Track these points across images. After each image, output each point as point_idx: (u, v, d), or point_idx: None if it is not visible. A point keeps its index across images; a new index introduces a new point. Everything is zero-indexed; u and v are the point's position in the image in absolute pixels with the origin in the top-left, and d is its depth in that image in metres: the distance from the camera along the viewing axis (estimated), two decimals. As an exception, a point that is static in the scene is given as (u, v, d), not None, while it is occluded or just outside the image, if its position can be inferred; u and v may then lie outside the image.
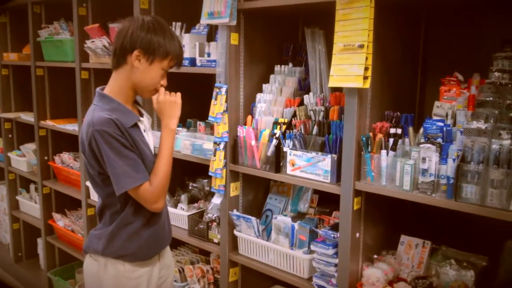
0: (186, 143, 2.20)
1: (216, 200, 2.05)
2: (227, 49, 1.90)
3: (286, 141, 1.81)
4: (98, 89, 1.58)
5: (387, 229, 1.83)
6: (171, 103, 1.60)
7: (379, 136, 1.57)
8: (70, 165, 3.23)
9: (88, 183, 2.84)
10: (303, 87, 1.98)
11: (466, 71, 1.61)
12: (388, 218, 1.83)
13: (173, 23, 2.24)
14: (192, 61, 2.14)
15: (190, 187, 2.53)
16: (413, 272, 1.70)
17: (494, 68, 1.48)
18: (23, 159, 3.61)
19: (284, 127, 1.85)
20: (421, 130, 1.54)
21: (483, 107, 1.44)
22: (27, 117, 3.46)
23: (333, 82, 1.58)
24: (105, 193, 1.56)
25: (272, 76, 2.03)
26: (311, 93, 1.87)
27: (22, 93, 3.68)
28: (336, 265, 1.68)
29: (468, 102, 1.55)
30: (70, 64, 2.91)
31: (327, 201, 2.00)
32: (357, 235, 1.67)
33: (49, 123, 3.23)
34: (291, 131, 1.82)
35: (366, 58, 1.49)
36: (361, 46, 1.49)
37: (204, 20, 1.96)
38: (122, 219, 1.56)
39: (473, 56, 1.71)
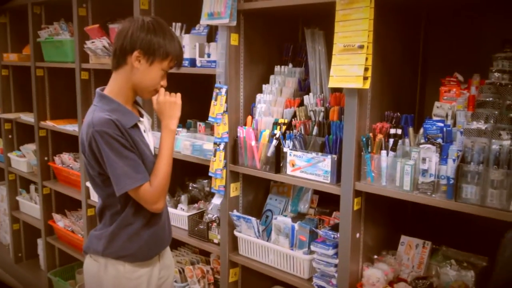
0: (186, 143, 2.20)
1: (216, 200, 2.05)
2: (227, 49, 1.90)
3: (286, 141, 1.81)
4: (98, 89, 1.58)
5: (387, 230, 1.83)
6: (171, 103, 1.60)
7: (379, 136, 1.57)
8: (70, 165, 3.23)
9: (88, 184, 2.84)
10: (303, 88, 1.99)
11: (466, 71, 1.61)
12: (388, 219, 1.83)
13: (173, 23, 2.24)
14: (192, 62, 2.14)
15: (190, 188, 2.53)
16: (413, 273, 1.70)
17: (494, 69, 1.48)
18: (23, 159, 3.61)
19: (284, 127, 1.85)
20: (421, 130, 1.54)
21: (483, 107, 1.44)
22: (27, 118, 3.46)
23: (333, 83, 1.58)
24: (105, 194, 1.56)
25: (272, 77, 2.03)
26: (311, 94, 1.87)
27: (22, 93, 3.69)
28: (336, 266, 1.68)
29: (468, 102, 1.55)
30: (70, 65, 2.91)
31: (327, 202, 2.00)
32: (357, 235, 1.67)
33: (49, 123, 3.23)
34: (291, 131, 1.82)
35: (366, 59, 1.49)
36: (361, 47, 1.49)
37: (204, 21, 1.96)
38: (122, 219, 1.56)
39: (473, 56, 1.71)
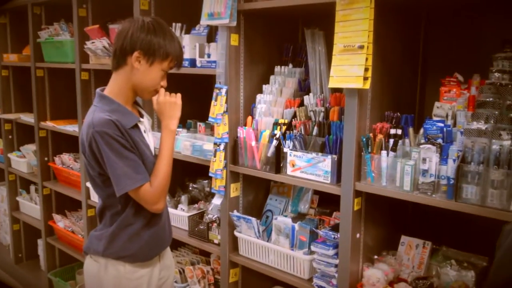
0: (186, 144, 2.20)
1: (216, 201, 2.05)
2: (227, 50, 1.90)
3: (286, 142, 1.81)
4: (98, 90, 1.58)
5: (388, 230, 1.83)
6: (171, 104, 1.60)
7: (379, 136, 1.57)
8: (70, 166, 3.23)
9: (88, 184, 2.84)
10: (303, 88, 1.99)
11: (466, 71, 1.61)
12: (389, 219, 1.83)
13: (173, 24, 2.24)
14: (192, 62, 2.14)
15: (190, 188, 2.53)
16: (414, 273, 1.70)
17: (494, 69, 1.48)
18: (23, 160, 3.61)
19: (284, 128, 1.85)
20: (421, 130, 1.54)
21: (483, 107, 1.44)
22: (27, 118, 3.46)
23: (333, 83, 1.58)
24: (106, 194, 1.56)
25: (272, 77, 2.03)
26: (311, 94, 1.87)
27: (22, 94, 3.69)
28: (336, 266, 1.68)
29: (468, 102, 1.55)
30: (70, 65, 2.91)
31: (327, 202, 2.00)
32: (358, 235, 1.67)
33: (49, 124, 3.23)
34: (291, 132, 1.82)
35: (366, 59, 1.49)
36: (361, 47, 1.49)
37: (204, 21, 1.96)
38: (122, 220, 1.56)
39: (473, 56, 1.71)
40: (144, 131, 1.60)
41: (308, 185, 1.78)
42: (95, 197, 2.85)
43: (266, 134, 1.87)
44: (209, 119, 2.00)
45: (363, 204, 1.67)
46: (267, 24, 2.03)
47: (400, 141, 1.55)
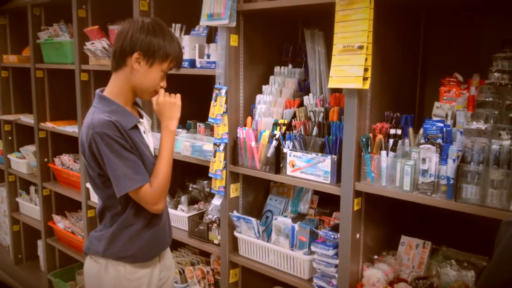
0: (186, 144, 2.20)
1: (216, 201, 2.05)
2: (227, 50, 1.91)
3: (286, 142, 1.81)
4: (97, 91, 1.58)
5: (388, 230, 1.83)
6: (171, 104, 1.60)
7: (379, 137, 1.57)
8: (70, 167, 3.23)
9: (88, 185, 2.84)
10: (303, 88, 1.99)
11: (465, 71, 1.61)
12: (389, 219, 1.83)
13: (173, 24, 2.24)
14: (192, 63, 2.14)
15: (190, 189, 2.53)
16: (414, 273, 1.70)
17: (494, 69, 1.48)
18: (23, 161, 3.61)
19: (284, 128, 1.85)
20: (421, 130, 1.54)
21: (483, 107, 1.44)
22: (27, 119, 3.46)
23: (332, 83, 1.58)
24: (106, 195, 1.56)
25: (271, 77, 2.03)
26: (310, 94, 1.87)
27: (22, 95, 3.69)
28: (336, 266, 1.68)
29: (468, 102, 1.55)
30: (70, 66, 2.91)
31: (327, 202, 2.00)
32: (358, 235, 1.67)
33: (49, 125, 3.23)
34: (291, 132, 1.82)
35: (366, 59, 1.49)
36: (361, 47, 1.50)
37: (204, 22, 1.96)
38: (122, 221, 1.56)
39: (472, 56, 1.71)
40: (144, 132, 1.60)
41: (308, 185, 1.79)
42: (95, 198, 2.85)
43: (266, 134, 1.87)
44: (209, 119, 2.00)
45: (363, 204, 1.67)
46: (266, 24, 2.03)
47: (400, 141, 1.56)
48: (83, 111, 2.84)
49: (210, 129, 2.34)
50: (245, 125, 2.01)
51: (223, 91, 1.94)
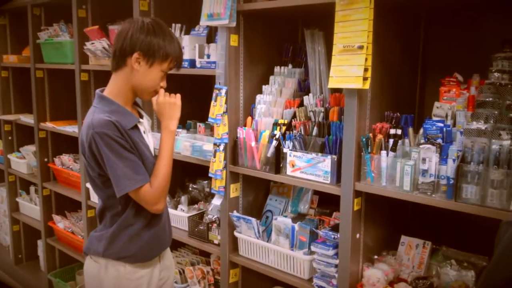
0: (186, 144, 2.20)
1: (216, 201, 2.05)
2: (227, 50, 1.91)
3: (286, 142, 1.81)
4: (97, 91, 1.58)
5: (388, 230, 1.83)
6: (171, 104, 1.60)
7: (379, 136, 1.57)
8: (70, 167, 3.23)
9: (88, 185, 2.84)
10: (303, 88, 1.99)
11: (465, 71, 1.61)
12: (389, 219, 1.83)
13: (173, 24, 2.24)
14: (192, 63, 2.14)
15: (190, 189, 2.53)
16: (414, 273, 1.70)
17: (494, 69, 1.48)
18: (23, 161, 3.61)
19: (284, 128, 1.85)
20: (421, 130, 1.55)
21: (483, 107, 1.44)
22: (27, 119, 3.46)
23: (332, 83, 1.58)
24: (106, 195, 1.56)
25: (271, 77, 2.03)
26: (310, 94, 1.87)
27: (22, 95, 3.69)
28: (336, 266, 1.68)
29: (467, 102, 1.55)
30: (70, 66, 2.91)
31: (327, 202, 2.00)
32: (358, 235, 1.67)
33: (49, 125, 3.23)
34: (291, 132, 1.82)
35: (366, 59, 1.49)
36: (361, 47, 1.50)
37: (204, 22, 1.96)
38: (122, 221, 1.56)
39: (472, 56, 1.71)
40: (144, 132, 1.60)
41: (308, 185, 1.79)
42: (95, 198, 2.85)
43: (266, 134, 1.87)
44: (209, 119, 2.00)
45: (363, 204, 1.67)
46: (266, 24, 2.03)
47: (400, 141, 1.56)
48: (83, 111, 2.84)
49: (210, 129, 2.34)
50: (245, 125, 2.01)
51: (223, 91, 1.94)
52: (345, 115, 1.61)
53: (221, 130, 1.97)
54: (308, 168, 1.73)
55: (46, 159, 3.39)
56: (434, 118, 1.58)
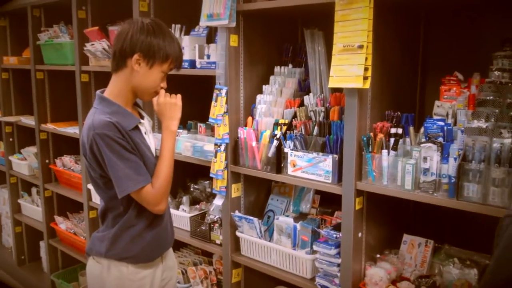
0: (187, 144, 2.20)
1: (218, 201, 2.06)
2: (227, 50, 1.91)
3: (287, 142, 1.81)
4: (98, 92, 1.59)
5: (390, 229, 1.83)
6: (172, 105, 1.60)
7: (380, 136, 1.57)
8: (72, 168, 3.24)
9: (89, 186, 2.84)
10: (303, 88, 1.99)
11: (466, 70, 1.61)
12: (390, 218, 1.83)
13: (173, 25, 2.24)
14: (192, 63, 2.14)
15: (191, 189, 2.53)
16: (416, 271, 1.70)
17: (494, 67, 1.48)
18: (24, 162, 3.62)
19: (284, 128, 1.85)
20: (422, 129, 1.54)
21: (483, 106, 1.44)
22: (28, 121, 3.46)
23: (333, 83, 1.58)
24: (108, 196, 1.56)
25: (272, 77, 2.03)
26: (311, 94, 1.87)
27: (23, 96, 3.69)
28: (339, 265, 1.69)
29: (468, 101, 1.55)
30: (70, 67, 2.91)
31: (329, 202, 2.00)
32: (360, 235, 1.68)
33: (50, 126, 3.24)
34: (292, 132, 1.82)
35: (366, 59, 1.49)
36: (361, 47, 1.49)
37: (204, 22, 1.96)
38: (124, 221, 1.57)
39: (473, 55, 1.71)
40: (145, 133, 1.60)
41: (309, 185, 1.79)
42: (96, 199, 2.86)
43: (267, 134, 1.87)
44: (210, 120, 2.00)
45: (364, 204, 1.67)
46: (266, 24, 2.03)
47: (401, 140, 1.56)
48: (84, 112, 2.84)
49: (211, 130, 2.34)
50: (245, 125, 2.01)
51: (224, 91, 1.94)
52: (345, 114, 1.61)
53: (222, 130, 1.97)
54: (309, 167, 1.73)
55: (47, 161, 3.40)
56: (435, 117, 1.58)
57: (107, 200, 1.58)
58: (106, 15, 2.75)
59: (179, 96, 1.63)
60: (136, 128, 1.55)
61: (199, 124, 2.42)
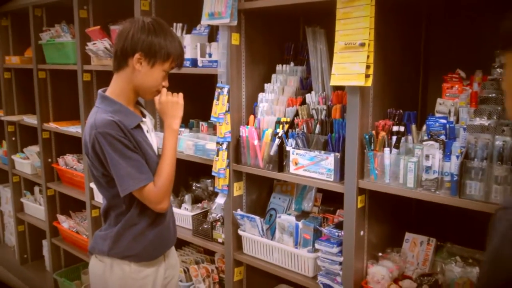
0: (189, 143, 2.20)
1: (220, 200, 2.06)
2: (228, 49, 1.90)
3: (289, 140, 1.81)
4: (100, 91, 1.59)
5: (392, 227, 1.83)
6: (173, 103, 1.61)
7: (382, 134, 1.57)
8: (74, 167, 3.24)
9: (92, 185, 2.85)
10: (305, 86, 1.98)
11: (468, 68, 1.61)
12: (392, 216, 1.83)
13: (174, 24, 2.24)
14: (194, 62, 2.14)
15: (193, 187, 2.54)
16: (418, 270, 1.70)
17: (497, 65, 1.48)
18: (27, 161, 3.63)
19: (286, 126, 1.85)
20: (424, 127, 1.54)
21: (486, 103, 1.44)
22: (30, 120, 3.47)
23: (334, 81, 1.58)
24: (110, 195, 1.57)
25: (273, 76, 2.03)
26: (313, 92, 1.87)
27: (25, 96, 3.69)
28: (341, 263, 1.69)
29: (470, 99, 1.54)
30: (72, 67, 2.92)
31: (331, 200, 2.00)
32: (362, 233, 1.67)
33: (52, 125, 3.24)
34: (294, 130, 1.82)
35: (368, 56, 1.49)
36: (362, 44, 1.49)
37: (205, 21, 1.96)
38: (127, 220, 1.57)
39: (474, 53, 1.70)
40: (147, 131, 1.61)
41: (311, 183, 1.79)
42: (99, 198, 2.86)
43: (269, 132, 1.87)
44: (211, 118, 2.00)
45: (366, 202, 1.67)
46: (268, 23, 2.03)
47: (403, 138, 1.55)
48: (86, 111, 2.84)
49: (213, 128, 2.34)
50: (247, 124, 2.01)
51: (225, 90, 1.94)
52: (347, 112, 1.60)
53: (224, 128, 1.97)
54: (311, 166, 1.73)
55: (50, 160, 3.40)
56: (437, 115, 1.58)
57: (110, 198, 1.58)
58: (108, 14, 2.75)
59: (181, 94, 1.64)
60: (138, 126, 1.55)
61: (201, 123, 2.42)
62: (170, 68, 1.56)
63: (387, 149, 1.54)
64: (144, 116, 1.65)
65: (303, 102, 1.89)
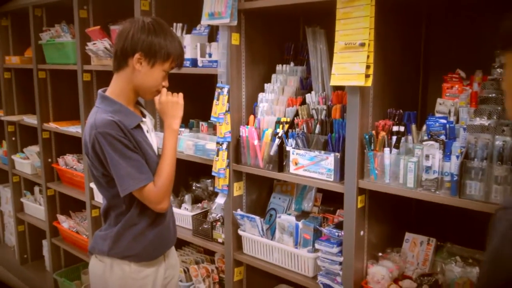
0: (189, 143, 2.20)
1: (220, 200, 2.06)
2: (228, 49, 1.90)
3: (289, 140, 1.81)
4: (100, 91, 1.59)
5: (392, 227, 1.83)
6: (173, 103, 1.61)
7: (382, 134, 1.57)
8: (74, 167, 3.24)
9: (92, 185, 2.85)
10: (305, 86, 1.98)
11: (468, 68, 1.61)
12: (392, 216, 1.83)
13: (174, 24, 2.24)
14: (194, 62, 2.14)
15: (193, 187, 2.54)
16: (418, 270, 1.70)
17: (497, 65, 1.48)
18: (27, 161, 3.63)
19: (286, 126, 1.85)
20: (424, 127, 1.54)
21: (486, 103, 1.44)
22: (30, 120, 3.47)
23: (334, 81, 1.58)
24: (110, 195, 1.57)
25: (273, 76, 2.03)
26: (313, 92, 1.87)
27: (25, 96, 3.70)
28: (341, 263, 1.69)
29: (470, 99, 1.54)
30: (72, 67, 2.92)
31: (331, 200, 2.00)
32: (362, 233, 1.67)
33: (52, 125, 3.24)
34: (294, 130, 1.82)
35: (368, 56, 1.49)
36: (363, 44, 1.49)
37: (205, 21, 1.96)
38: (127, 220, 1.57)
39: (474, 53, 1.70)
40: (147, 131, 1.61)
41: (311, 183, 1.79)
42: (99, 198, 2.86)
43: (269, 132, 1.87)
44: (211, 118, 2.00)
45: (366, 202, 1.67)
46: (268, 23, 2.03)
47: (403, 138, 1.55)
48: (86, 111, 2.84)
49: (213, 128, 2.34)
50: (247, 124, 2.01)
51: (225, 90, 1.94)
52: (347, 112, 1.60)
53: (224, 128, 1.97)
54: (311, 166, 1.73)
55: (50, 160, 3.40)
56: (437, 115, 1.58)
57: (110, 198, 1.58)
58: (108, 14, 2.75)
59: (181, 94, 1.64)
60: (138, 126, 1.55)
61: (201, 123, 2.42)
62: (170, 68, 1.56)
63: (387, 149, 1.54)
64: (144, 116, 1.65)
65: (303, 102, 1.89)
